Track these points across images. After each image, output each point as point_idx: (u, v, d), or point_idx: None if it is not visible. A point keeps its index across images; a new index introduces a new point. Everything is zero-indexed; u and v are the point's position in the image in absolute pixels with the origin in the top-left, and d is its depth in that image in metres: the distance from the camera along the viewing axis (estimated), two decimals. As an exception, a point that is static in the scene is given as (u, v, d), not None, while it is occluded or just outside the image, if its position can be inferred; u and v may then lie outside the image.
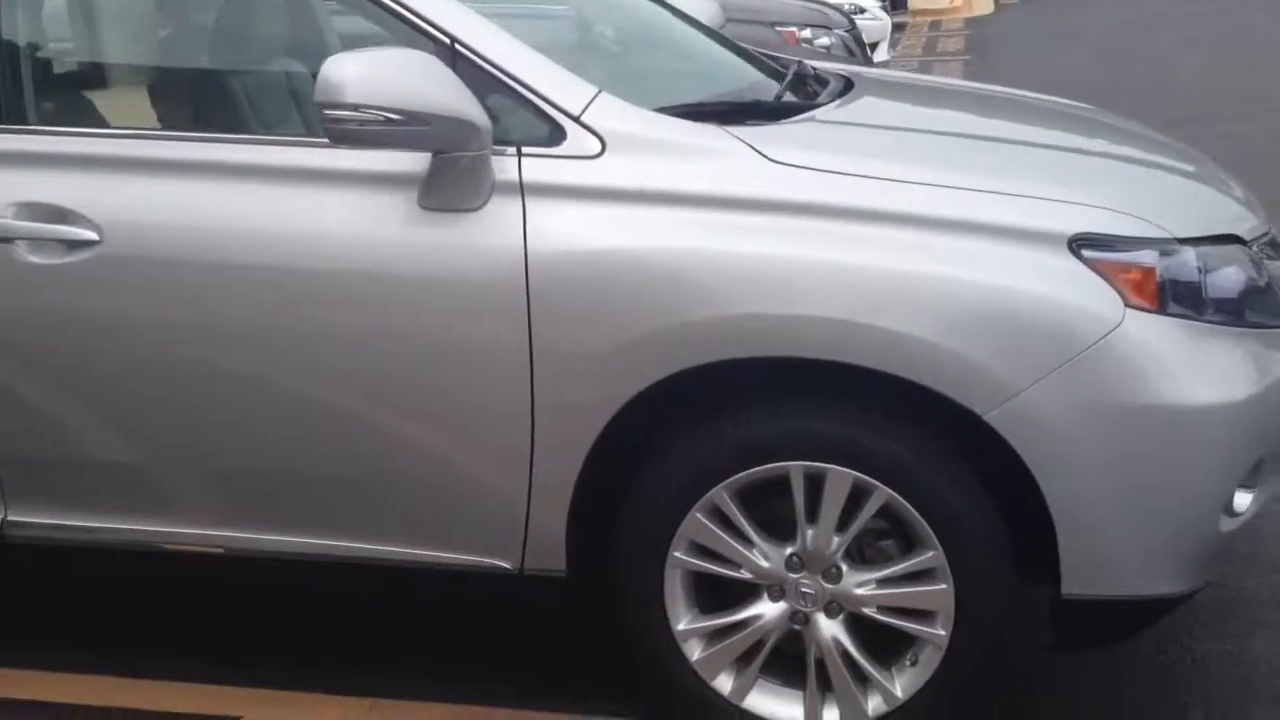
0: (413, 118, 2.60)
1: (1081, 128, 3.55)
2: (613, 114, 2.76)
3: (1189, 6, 17.52)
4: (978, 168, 2.81)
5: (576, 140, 2.73)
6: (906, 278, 2.56)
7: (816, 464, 2.67)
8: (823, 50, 9.11)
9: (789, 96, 3.36)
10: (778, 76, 3.57)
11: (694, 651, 2.85)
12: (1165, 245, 2.63)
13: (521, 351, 2.70)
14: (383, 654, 3.38)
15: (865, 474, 2.65)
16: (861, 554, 2.79)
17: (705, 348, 2.64)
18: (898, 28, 18.25)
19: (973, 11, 21.24)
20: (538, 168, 2.73)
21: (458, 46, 2.77)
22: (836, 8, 10.16)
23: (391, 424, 2.81)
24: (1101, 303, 2.54)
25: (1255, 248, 2.83)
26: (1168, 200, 2.87)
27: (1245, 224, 2.90)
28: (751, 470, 2.71)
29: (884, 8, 14.27)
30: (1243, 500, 2.70)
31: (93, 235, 2.85)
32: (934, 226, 2.60)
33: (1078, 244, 2.58)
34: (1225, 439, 2.59)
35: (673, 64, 3.73)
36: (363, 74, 2.58)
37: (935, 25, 19.43)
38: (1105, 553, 2.60)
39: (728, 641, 2.84)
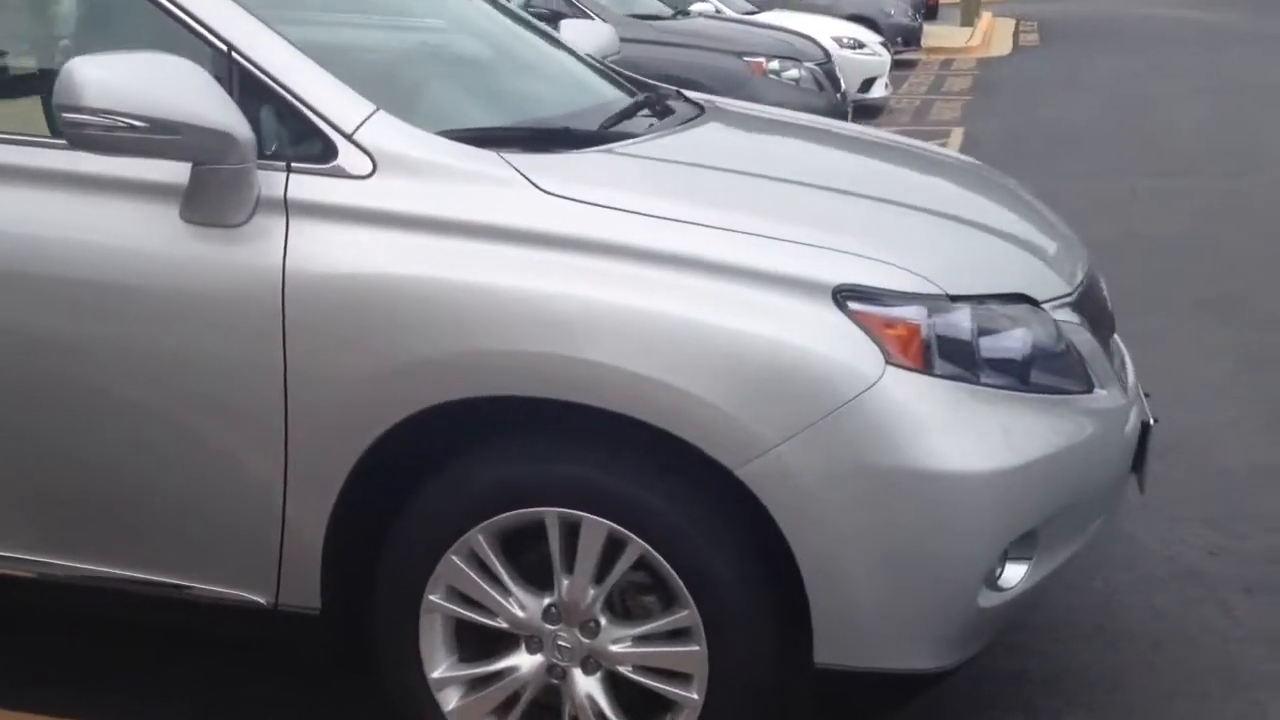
0: (160, 126, 2.49)
1: (925, 179, 3.38)
2: (387, 134, 2.64)
3: (1210, 58, 17.32)
4: (759, 210, 2.66)
5: (347, 159, 2.62)
6: (658, 320, 2.42)
7: (570, 511, 2.54)
8: (791, 83, 8.99)
9: (644, 122, 3.25)
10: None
11: (449, 700, 2.72)
12: (935, 302, 2.48)
13: (276, 375, 2.58)
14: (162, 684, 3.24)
15: (619, 524, 2.52)
16: (626, 609, 2.65)
17: (451, 384, 2.51)
18: (908, 65, 18.13)
19: (989, 52, 21.07)
20: (306, 185, 2.61)
21: (233, 54, 2.66)
22: (814, 41, 10.02)
23: (146, 442, 2.69)
24: (860, 358, 2.40)
25: (1052, 310, 2.67)
26: (955, 257, 2.69)
27: (1044, 285, 2.74)
28: (507, 514, 2.58)
29: (884, 44, 14.13)
30: (1013, 574, 2.54)
31: None
32: (693, 268, 2.46)
33: (843, 295, 2.44)
34: (985, 508, 2.43)
35: (520, 85, 3.60)
36: (105, 77, 2.47)
37: (947, 64, 19.25)
38: (857, 621, 2.45)
39: (484, 692, 2.70)
